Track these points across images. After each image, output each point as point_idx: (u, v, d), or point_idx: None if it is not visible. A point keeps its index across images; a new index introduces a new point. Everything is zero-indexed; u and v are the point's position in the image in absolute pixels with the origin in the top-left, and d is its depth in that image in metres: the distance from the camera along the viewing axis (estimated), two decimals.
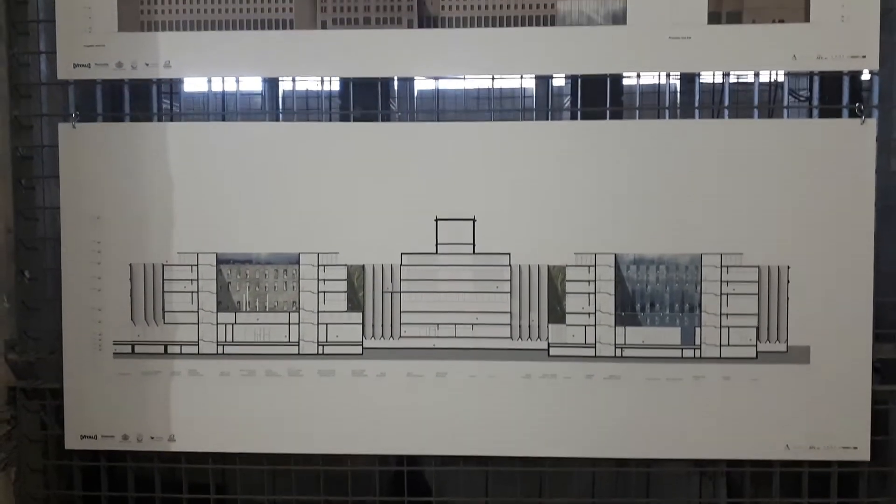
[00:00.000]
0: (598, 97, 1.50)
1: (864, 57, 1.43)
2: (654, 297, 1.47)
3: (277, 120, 1.55)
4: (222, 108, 1.53)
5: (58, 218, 1.51)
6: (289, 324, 1.50)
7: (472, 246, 1.49)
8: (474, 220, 1.48)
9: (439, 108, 1.55)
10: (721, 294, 1.46)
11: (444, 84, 1.58)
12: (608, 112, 1.49)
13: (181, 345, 1.51)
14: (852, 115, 1.45)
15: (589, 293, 1.47)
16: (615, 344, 1.47)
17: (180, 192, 1.50)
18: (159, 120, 1.55)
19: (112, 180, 1.50)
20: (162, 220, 1.50)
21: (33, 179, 1.56)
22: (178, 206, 1.50)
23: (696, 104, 1.49)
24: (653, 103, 1.54)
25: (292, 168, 1.49)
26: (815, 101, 1.50)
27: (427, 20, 1.50)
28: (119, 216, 1.50)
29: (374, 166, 1.49)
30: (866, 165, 1.43)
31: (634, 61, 1.46)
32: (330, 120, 1.55)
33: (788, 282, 1.45)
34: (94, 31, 1.50)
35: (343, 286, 1.49)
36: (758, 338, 1.46)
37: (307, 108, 1.57)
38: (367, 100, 1.54)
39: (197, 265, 1.50)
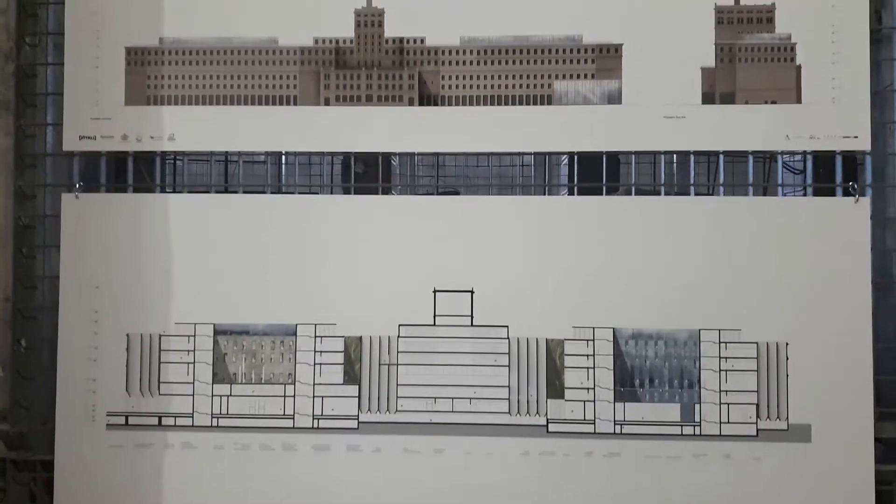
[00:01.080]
0: (596, 172, 1.52)
1: (855, 137, 1.46)
2: (653, 372, 1.46)
3: (279, 192, 1.56)
4: (224, 179, 1.56)
5: (57, 287, 1.52)
6: (284, 396, 1.49)
7: (470, 318, 1.49)
8: (472, 292, 1.49)
9: (438, 181, 1.57)
10: (720, 370, 1.45)
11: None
12: (604, 188, 1.51)
13: (175, 416, 1.50)
14: (846, 193, 1.47)
15: (588, 368, 1.47)
16: (615, 420, 1.46)
17: (180, 263, 1.51)
18: (162, 191, 1.56)
19: (112, 250, 1.51)
20: (160, 290, 1.51)
21: (34, 248, 1.57)
22: (176, 276, 1.50)
23: (692, 181, 1.51)
24: (649, 176, 1.56)
25: (291, 239, 1.50)
26: (809, 176, 1.52)
27: (427, 98, 1.53)
28: (118, 286, 1.51)
29: (374, 238, 1.50)
30: (861, 244, 1.44)
31: (630, 140, 1.49)
32: (331, 192, 1.57)
33: (787, 358, 1.44)
34: (100, 104, 1.53)
35: (339, 358, 1.48)
36: (758, 415, 1.44)
37: (309, 180, 1.59)
38: (367, 172, 1.56)
39: (194, 336, 1.50)
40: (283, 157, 1.57)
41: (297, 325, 1.49)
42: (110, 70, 1.53)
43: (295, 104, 1.54)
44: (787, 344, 1.45)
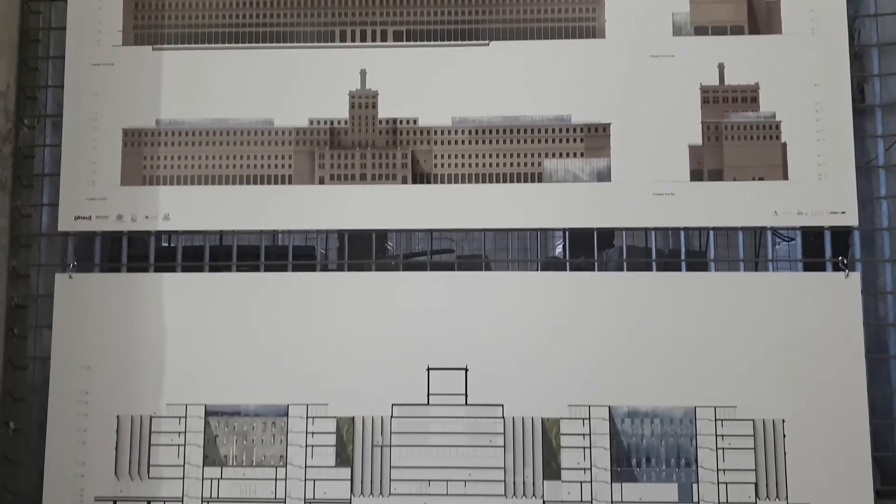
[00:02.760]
0: (588, 247, 1.53)
1: (843, 213, 1.48)
2: (649, 451, 1.44)
3: (272, 270, 1.57)
4: (217, 257, 1.57)
5: (47, 367, 1.51)
6: (275, 479, 1.46)
7: (464, 396, 1.48)
8: (466, 370, 1.48)
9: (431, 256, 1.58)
10: (717, 448, 1.44)
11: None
12: (596, 264, 1.52)
13: (165, 501, 1.46)
14: (837, 268, 1.48)
15: (584, 447, 1.45)
16: (612, 501, 1.43)
17: (172, 342, 1.50)
18: (155, 270, 1.56)
19: (105, 330, 1.51)
20: (152, 371, 1.49)
21: (26, 329, 1.57)
22: (169, 356, 1.49)
23: (682, 257, 1.52)
24: (642, 250, 1.57)
25: (284, 316, 1.50)
26: (799, 251, 1.53)
27: (421, 176, 1.55)
28: (109, 366, 1.50)
29: (366, 314, 1.50)
30: (854, 318, 1.45)
31: (621, 216, 1.51)
32: (326, 269, 1.57)
33: (785, 436, 1.43)
34: (97, 184, 1.55)
35: (332, 440, 1.46)
36: (757, 494, 1.42)
37: (306, 252, 1.60)
38: (360, 249, 1.57)
39: (185, 417, 1.48)
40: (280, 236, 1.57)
41: (288, 405, 1.48)
42: (107, 151, 1.56)
43: (290, 183, 1.56)
44: (783, 421, 1.43)
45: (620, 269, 1.53)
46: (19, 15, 1.61)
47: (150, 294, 1.51)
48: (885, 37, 1.56)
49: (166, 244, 1.64)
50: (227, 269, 1.55)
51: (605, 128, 1.54)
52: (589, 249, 1.52)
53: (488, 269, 1.59)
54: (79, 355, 1.50)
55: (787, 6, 1.53)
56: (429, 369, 1.48)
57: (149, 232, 1.55)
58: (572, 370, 1.47)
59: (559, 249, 1.60)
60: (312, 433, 1.47)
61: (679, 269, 1.53)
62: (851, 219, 1.48)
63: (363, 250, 1.55)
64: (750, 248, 1.56)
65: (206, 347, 1.50)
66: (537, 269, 1.56)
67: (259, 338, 1.50)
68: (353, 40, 1.58)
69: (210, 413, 1.48)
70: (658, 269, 1.52)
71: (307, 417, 1.47)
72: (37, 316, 1.57)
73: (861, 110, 1.57)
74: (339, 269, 1.56)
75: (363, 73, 1.57)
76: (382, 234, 1.61)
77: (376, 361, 1.49)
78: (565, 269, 1.54)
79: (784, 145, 1.50)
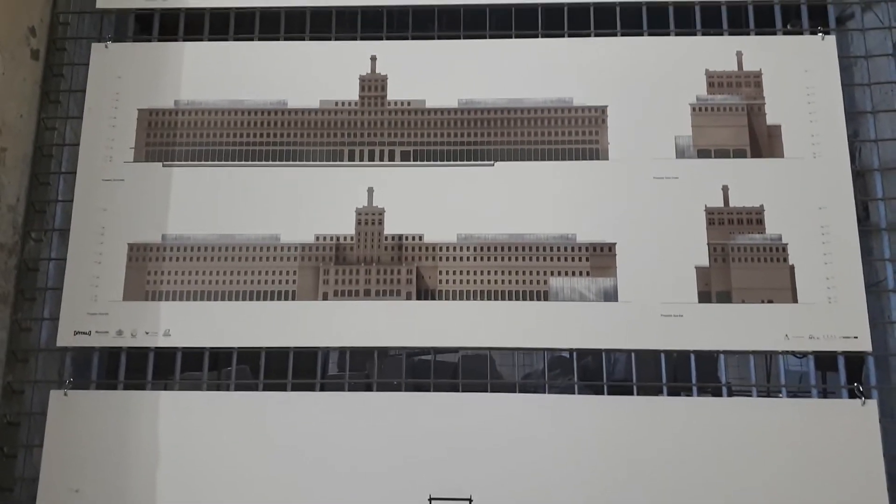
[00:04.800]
0: (596, 369, 1.50)
1: (855, 338, 1.45)
2: None
3: (272, 389, 1.53)
4: (218, 360, 1.53)
5: (35, 489, 1.45)
6: None
7: None
8: (471, 500, 1.41)
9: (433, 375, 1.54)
10: None
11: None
12: (606, 387, 1.48)
13: None
14: (852, 395, 1.44)
15: None
16: None
17: (166, 466, 1.45)
18: (153, 383, 1.53)
19: (97, 451, 1.46)
20: (143, 495, 1.43)
21: (17, 447, 1.52)
22: (162, 480, 1.44)
23: (693, 381, 1.48)
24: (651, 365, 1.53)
25: (280, 440, 1.45)
26: (812, 376, 1.49)
27: (425, 293, 1.54)
28: (99, 490, 1.44)
29: (367, 438, 1.45)
30: (873, 448, 1.39)
31: (628, 338, 1.48)
32: (322, 389, 1.53)
33: None
34: (99, 299, 1.54)
35: None
36: None
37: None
38: (362, 362, 1.54)
39: None
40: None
41: None
42: (111, 266, 1.55)
43: (293, 299, 1.54)
44: None
45: (630, 392, 1.48)
46: (35, 131, 1.65)
47: (146, 413, 1.47)
48: (886, 159, 1.58)
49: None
50: (226, 387, 1.52)
51: (611, 247, 1.53)
52: (599, 370, 1.49)
53: (494, 375, 1.54)
54: (68, 478, 1.45)
55: (788, 130, 1.56)
56: (431, 500, 1.41)
57: (148, 348, 1.52)
58: (579, 498, 1.40)
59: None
60: None
61: (690, 394, 1.48)
62: (865, 344, 1.45)
63: (365, 363, 1.52)
64: (761, 370, 1.53)
65: (203, 472, 1.44)
66: (545, 392, 1.51)
67: (254, 459, 1.44)
68: (360, 159, 1.60)
69: None
70: (669, 393, 1.48)
71: None
72: (28, 434, 1.52)
73: (866, 230, 1.57)
74: (339, 388, 1.52)
75: (370, 190, 1.59)
76: (384, 351, 1.58)
77: (376, 489, 1.42)
78: (573, 392, 1.49)
79: (792, 268, 1.49)
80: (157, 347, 1.52)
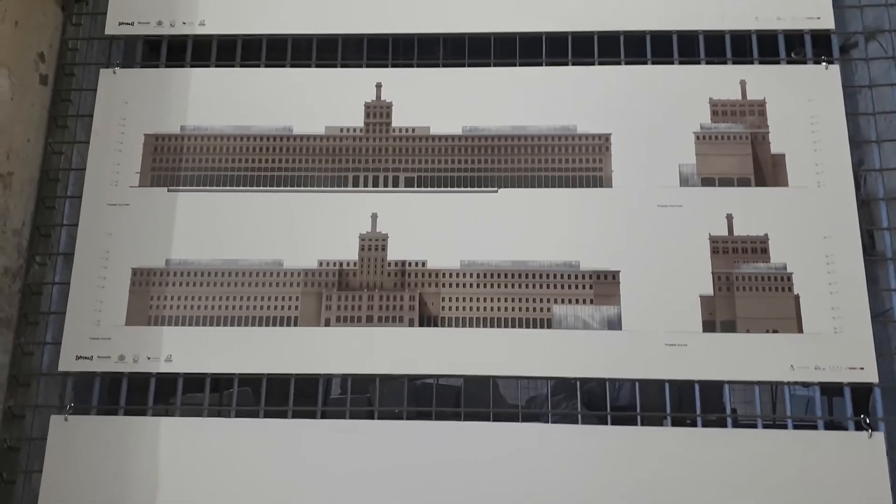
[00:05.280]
0: (600, 393, 1.48)
1: (861, 369, 1.43)
2: None
3: (274, 416, 1.52)
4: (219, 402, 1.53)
5: None
6: None
7: None
8: None
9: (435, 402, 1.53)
10: None
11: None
12: (609, 417, 1.47)
13: None
14: (859, 427, 1.42)
15: None
16: None
17: (165, 490, 1.44)
18: (154, 413, 1.52)
19: (96, 477, 1.45)
20: None
21: (16, 473, 1.51)
22: None
23: (698, 412, 1.46)
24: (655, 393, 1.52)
25: (280, 467, 1.44)
26: (818, 407, 1.48)
27: (428, 319, 1.53)
28: None
29: (366, 466, 1.44)
30: (880, 482, 1.37)
31: (632, 367, 1.47)
32: (324, 416, 1.52)
33: None
34: (101, 323, 1.54)
35: None
36: None
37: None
38: (364, 389, 1.53)
39: None
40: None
41: None
42: (115, 291, 1.55)
43: (295, 325, 1.54)
44: None
45: (634, 422, 1.47)
46: (42, 155, 1.66)
47: (147, 439, 1.46)
48: (891, 188, 1.57)
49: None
50: (227, 412, 1.51)
51: (615, 275, 1.53)
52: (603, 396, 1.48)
53: (497, 397, 1.53)
54: None
55: (792, 160, 1.56)
56: None
57: (150, 374, 1.52)
58: None
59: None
60: None
61: (694, 424, 1.47)
62: (871, 375, 1.43)
63: (368, 385, 1.51)
64: (766, 400, 1.51)
65: (202, 499, 1.43)
66: (548, 421, 1.50)
67: (255, 488, 1.43)
68: (365, 185, 1.61)
69: None
70: (673, 423, 1.46)
71: None
72: (28, 459, 1.51)
73: (872, 259, 1.56)
74: (341, 415, 1.51)
75: (374, 216, 1.59)
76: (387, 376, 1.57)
77: None
78: (577, 422, 1.48)
79: (797, 297, 1.48)
80: (158, 373, 1.52)
